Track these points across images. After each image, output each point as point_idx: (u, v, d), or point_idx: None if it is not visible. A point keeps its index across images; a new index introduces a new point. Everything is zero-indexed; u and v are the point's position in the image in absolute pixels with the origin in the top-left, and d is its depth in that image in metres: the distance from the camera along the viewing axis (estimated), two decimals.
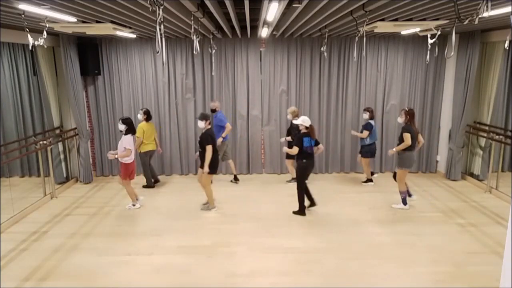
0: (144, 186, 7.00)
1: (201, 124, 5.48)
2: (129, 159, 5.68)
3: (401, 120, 5.59)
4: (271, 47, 7.36)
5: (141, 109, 6.67)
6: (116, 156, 5.62)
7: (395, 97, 7.54)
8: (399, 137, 5.61)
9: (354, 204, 6.08)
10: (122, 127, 5.64)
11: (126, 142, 5.61)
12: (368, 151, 6.80)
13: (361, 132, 6.76)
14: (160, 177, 7.65)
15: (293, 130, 6.65)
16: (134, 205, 5.98)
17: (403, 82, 7.51)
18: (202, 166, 5.55)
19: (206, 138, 5.44)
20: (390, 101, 7.56)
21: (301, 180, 5.53)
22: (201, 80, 7.43)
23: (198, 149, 5.78)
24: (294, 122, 5.51)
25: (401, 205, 5.81)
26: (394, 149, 5.63)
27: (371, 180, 7.06)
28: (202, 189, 5.87)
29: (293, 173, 6.95)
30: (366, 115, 6.73)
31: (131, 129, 5.70)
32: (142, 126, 6.61)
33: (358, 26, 4.74)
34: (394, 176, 5.90)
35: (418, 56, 7.38)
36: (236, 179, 7.22)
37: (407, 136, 5.45)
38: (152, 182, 7.04)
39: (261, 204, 6.13)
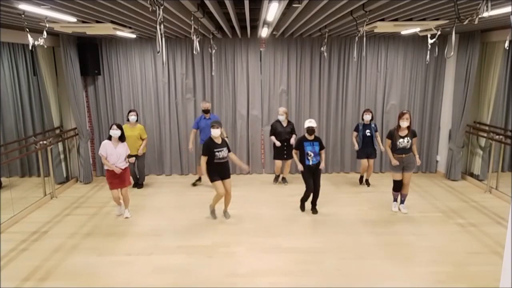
0: (137, 187, 7.02)
1: (218, 132, 5.18)
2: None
3: (407, 123, 5.29)
4: (271, 47, 7.36)
5: (132, 111, 6.58)
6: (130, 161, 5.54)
7: (395, 97, 7.54)
8: (410, 139, 5.35)
9: (354, 204, 6.08)
10: (118, 132, 5.26)
11: (127, 147, 5.47)
12: None
13: (374, 134, 6.56)
14: (160, 177, 7.68)
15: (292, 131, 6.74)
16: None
17: (403, 82, 7.51)
18: (228, 176, 5.34)
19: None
20: (390, 101, 7.56)
21: None
22: (201, 80, 7.42)
23: (221, 157, 5.21)
24: (313, 125, 5.42)
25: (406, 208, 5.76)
26: (418, 157, 5.51)
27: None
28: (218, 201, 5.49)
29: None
30: (369, 116, 6.53)
31: (123, 134, 5.39)
32: (143, 127, 6.68)
33: (358, 26, 4.74)
34: (400, 185, 5.59)
35: (418, 56, 7.37)
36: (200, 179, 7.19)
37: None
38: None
39: (261, 204, 6.13)
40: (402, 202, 5.76)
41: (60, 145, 7.07)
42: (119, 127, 5.30)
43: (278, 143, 6.68)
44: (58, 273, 4.13)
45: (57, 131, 7.09)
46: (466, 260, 4.33)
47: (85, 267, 4.24)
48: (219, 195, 5.30)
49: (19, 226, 5.40)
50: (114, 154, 5.28)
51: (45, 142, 6.26)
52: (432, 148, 7.77)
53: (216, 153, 5.15)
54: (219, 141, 5.21)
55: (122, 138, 5.36)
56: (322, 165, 5.52)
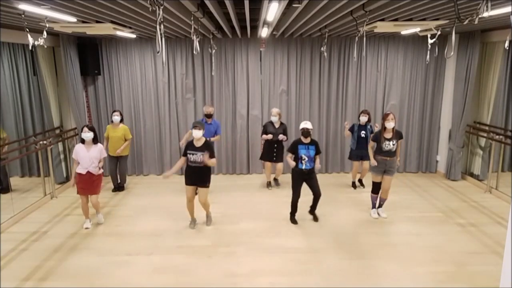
0: (119, 190, 6.81)
1: (200, 133, 4.82)
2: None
3: (393, 123, 5.14)
4: (271, 47, 7.36)
5: (116, 111, 6.44)
6: (101, 169, 5.13)
7: (395, 97, 7.54)
8: (396, 142, 5.19)
9: (354, 204, 6.08)
10: (89, 135, 4.95)
11: (103, 150, 5.18)
12: None
13: (369, 136, 6.33)
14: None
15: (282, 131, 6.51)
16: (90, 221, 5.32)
17: (403, 82, 7.51)
18: (202, 184, 4.97)
19: (213, 149, 5.04)
20: (390, 101, 7.56)
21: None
22: (201, 80, 7.43)
23: (193, 161, 4.85)
24: (309, 126, 5.13)
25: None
26: (398, 160, 5.38)
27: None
28: (201, 209, 5.25)
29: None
30: (365, 118, 6.37)
31: (96, 137, 5.12)
32: (127, 127, 6.57)
33: (358, 26, 4.74)
34: (379, 187, 5.41)
35: (418, 56, 7.37)
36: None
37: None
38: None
39: (261, 204, 6.13)
40: (380, 206, 5.57)
41: (60, 145, 7.06)
42: (91, 129, 5.02)
43: (270, 136, 6.40)
44: (58, 273, 4.13)
45: (57, 131, 7.09)
46: (466, 260, 4.33)
47: (85, 267, 4.24)
48: (186, 200, 5.08)
49: (19, 226, 5.40)
50: (87, 157, 4.97)
51: (45, 142, 6.26)
52: (432, 148, 7.77)
53: (189, 155, 4.86)
54: (198, 143, 4.85)
55: (95, 141, 5.08)
56: (317, 165, 5.15)
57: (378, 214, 5.58)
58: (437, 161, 7.82)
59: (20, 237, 4.99)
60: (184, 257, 4.46)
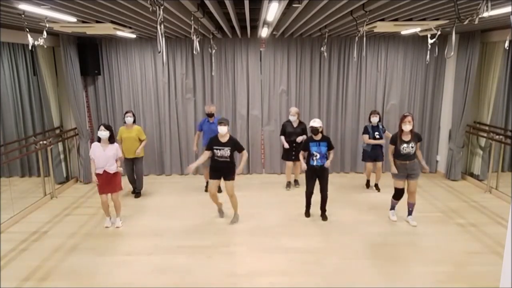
0: (135, 195, 6.63)
1: (225, 129, 5.07)
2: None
3: (410, 126, 4.90)
4: (271, 47, 7.36)
5: (128, 112, 6.24)
6: (119, 167, 5.13)
7: (395, 97, 7.54)
8: (415, 144, 5.01)
9: (354, 204, 6.08)
10: (106, 133, 4.93)
11: (119, 149, 5.18)
12: None
13: (383, 136, 6.34)
14: (160, 177, 7.68)
15: (304, 131, 6.47)
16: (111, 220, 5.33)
17: (403, 82, 7.51)
18: (227, 177, 5.19)
19: (240, 144, 5.29)
20: (390, 101, 7.56)
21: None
22: (201, 80, 7.42)
23: (220, 156, 5.10)
24: (316, 125, 5.23)
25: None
26: (424, 163, 5.22)
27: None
28: (218, 203, 5.46)
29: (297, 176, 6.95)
30: (376, 118, 6.29)
31: (112, 136, 5.09)
32: (140, 128, 6.42)
33: (358, 26, 4.74)
34: (401, 193, 5.23)
35: (418, 56, 7.37)
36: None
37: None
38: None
39: (261, 204, 6.13)
40: (409, 213, 5.34)
41: (60, 145, 7.07)
42: (108, 128, 4.99)
43: (286, 145, 6.44)
44: (58, 273, 4.13)
45: (57, 131, 7.09)
46: (466, 260, 4.33)
47: (85, 267, 4.24)
48: (209, 194, 5.33)
49: (19, 226, 5.40)
50: (103, 156, 4.96)
51: (45, 142, 6.26)
52: (432, 148, 7.77)
53: (215, 151, 5.10)
54: (224, 139, 5.08)
55: (111, 140, 5.05)
56: (327, 163, 5.26)
57: (407, 222, 5.33)
58: (437, 161, 7.82)
59: (20, 237, 4.99)
60: (184, 257, 4.46)
